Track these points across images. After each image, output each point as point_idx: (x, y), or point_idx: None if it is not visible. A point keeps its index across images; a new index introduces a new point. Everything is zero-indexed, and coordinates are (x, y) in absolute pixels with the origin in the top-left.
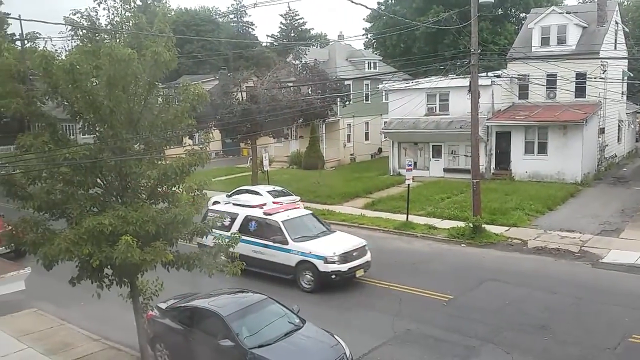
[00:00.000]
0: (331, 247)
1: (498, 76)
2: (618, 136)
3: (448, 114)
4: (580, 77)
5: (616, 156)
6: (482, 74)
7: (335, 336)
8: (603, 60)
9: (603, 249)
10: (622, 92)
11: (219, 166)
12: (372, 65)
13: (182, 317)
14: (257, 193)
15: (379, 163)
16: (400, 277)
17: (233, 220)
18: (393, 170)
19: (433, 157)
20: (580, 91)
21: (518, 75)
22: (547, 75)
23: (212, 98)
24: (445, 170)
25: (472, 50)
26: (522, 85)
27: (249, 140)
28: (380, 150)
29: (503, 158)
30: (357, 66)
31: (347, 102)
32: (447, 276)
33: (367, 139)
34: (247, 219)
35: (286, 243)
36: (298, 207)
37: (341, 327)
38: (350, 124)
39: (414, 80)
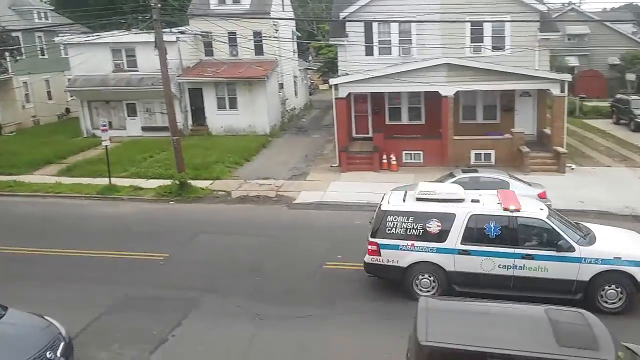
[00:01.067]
0: (636, 247)
1: (182, 32)
2: (295, 90)
3: (138, 70)
4: (257, 36)
5: (295, 108)
6: (167, 30)
7: (47, 317)
8: (274, 20)
9: (294, 191)
10: (294, 50)
11: None
12: (42, 15)
13: None
14: None
15: (68, 125)
16: (113, 243)
17: (447, 224)
18: (87, 131)
19: (129, 116)
20: (259, 49)
21: (201, 32)
22: (228, 33)
23: None
24: (144, 128)
25: (153, 4)
26: (206, 43)
27: None
28: (68, 110)
29: (199, 114)
30: (24, 16)
31: (19, 57)
32: (160, 235)
33: (50, 98)
34: (477, 220)
35: (570, 249)
36: (512, 191)
37: (52, 307)
38: (26, 82)
39: (95, 34)
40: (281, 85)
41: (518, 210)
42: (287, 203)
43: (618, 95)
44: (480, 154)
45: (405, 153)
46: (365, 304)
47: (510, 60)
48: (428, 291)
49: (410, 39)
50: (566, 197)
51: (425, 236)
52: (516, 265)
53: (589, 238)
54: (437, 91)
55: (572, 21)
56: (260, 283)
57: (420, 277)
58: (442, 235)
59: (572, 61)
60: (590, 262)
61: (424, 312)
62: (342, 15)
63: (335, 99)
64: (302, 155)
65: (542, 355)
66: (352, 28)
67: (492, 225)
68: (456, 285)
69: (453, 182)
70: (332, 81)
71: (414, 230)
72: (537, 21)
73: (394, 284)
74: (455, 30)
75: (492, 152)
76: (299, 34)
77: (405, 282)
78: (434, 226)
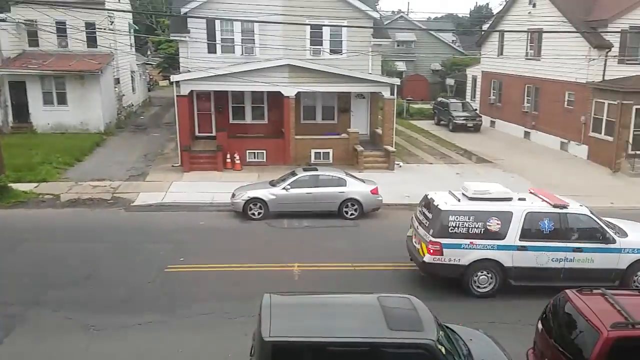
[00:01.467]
0: None
1: (3, 20)
2: (132, 86)
3: None
4: (90, 27)
5: (133, 105)
6: None
7: None
8: (109, 11)
9: (133, 193)
10: (131, 44)
11: None
12: None
13: None
14: None
15: None
16: None
17: (506, 222)
18: None
19: None
20: (92, 41)
21: (25, 20)
22: (57, 22)
23: None
24: None
25: None
26: (31, 32)
27: None
28: None
29: (22, 110)
30: None
31: None
32: None
33: None
34: (533, 218)
35: (612, 241)
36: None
37: None
38: None
39: None
40: (117, 80)
41: (566, 207)
42: (124, 205)
43: (439, 99)
44: (320, 152)
45: (249, 152)
46: (209, 306)
47: (347, 64)
48: (488, 286)
49: (253, 39)
50: (394, 192)
51: (486, 234)
52: (567, 258)
53: (620, 230)
54: (279, 91)
55: (401, 29)
56: (94, 292)
57: (479, 274)
58: (501, 233)
59: (401, 66)
60: (628, 252)
61: (267, 308)
62: (184, 10)
63: (177, 96)
64: (141, 155)
65: (375, 340)
66: (194, 24)
67: (546, 223)
68: (512, 280)
69: (294, 180)
70: (174, 78)
71: (475, 229)
72: (371, 27)
73: (450, 282)
74: (296, 33)
75: (331, 151)
76: (137, 27)
77: (464, 279)
78: (494, 224)
